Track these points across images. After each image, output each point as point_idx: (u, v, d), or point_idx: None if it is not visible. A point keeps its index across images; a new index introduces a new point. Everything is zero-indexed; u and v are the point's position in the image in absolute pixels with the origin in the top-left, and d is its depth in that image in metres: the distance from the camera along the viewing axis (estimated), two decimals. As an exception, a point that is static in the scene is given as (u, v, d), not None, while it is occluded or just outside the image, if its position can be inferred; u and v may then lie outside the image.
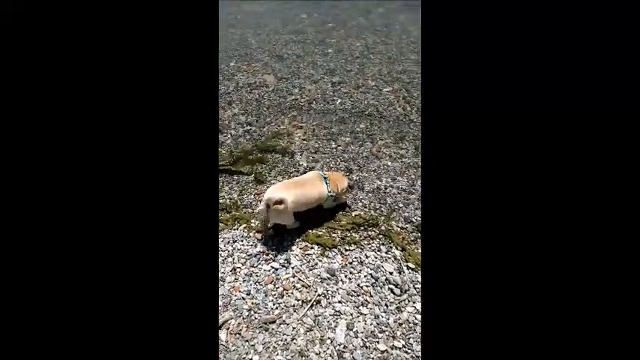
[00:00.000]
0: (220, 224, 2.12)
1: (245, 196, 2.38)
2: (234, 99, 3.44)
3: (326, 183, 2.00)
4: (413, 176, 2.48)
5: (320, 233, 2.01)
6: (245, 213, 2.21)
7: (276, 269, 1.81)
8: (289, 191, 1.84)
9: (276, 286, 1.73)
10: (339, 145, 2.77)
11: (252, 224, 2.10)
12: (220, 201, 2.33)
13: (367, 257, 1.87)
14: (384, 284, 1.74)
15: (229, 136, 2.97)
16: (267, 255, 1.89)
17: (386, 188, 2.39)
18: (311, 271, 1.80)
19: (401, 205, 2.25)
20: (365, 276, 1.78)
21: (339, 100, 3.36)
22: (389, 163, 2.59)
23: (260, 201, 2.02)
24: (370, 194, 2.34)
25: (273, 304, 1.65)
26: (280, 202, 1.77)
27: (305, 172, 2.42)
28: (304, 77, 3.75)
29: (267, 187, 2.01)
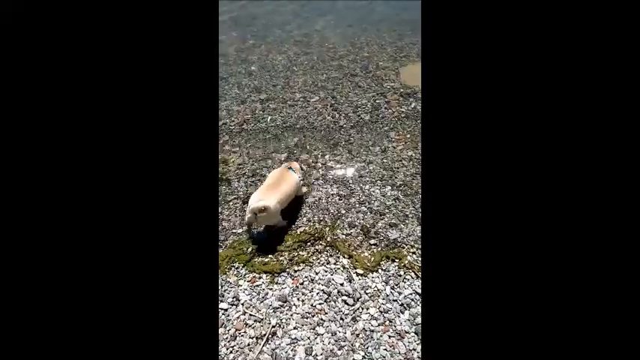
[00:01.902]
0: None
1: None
2: (158, 134, 3.23)
3: (294, 172, 2.24)
4: (350, 180, 2.54)
5: (267, 260, 1.96)
6: (184, 256, 2.06)
7: (225, 310, 1.71)
8: (270, 196, 2.01)
9: (227, 328, 1.63)
10: (275, 164, 2.74)
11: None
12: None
13: (317, 274, 1.86)
14: (336, 297, 1.74)
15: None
16: (214, 297, 1.77)
17: (327, 197, 2.41)
18: (262, 303, 1.73)
19: (343, 211, 2.29)
20: (317, 293, 1.76)
21: (269, 117, 3.33)
22: (326, 172, 2.63)
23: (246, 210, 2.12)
24: (313, 207, 2.34)
25: (227, 349, 1.55)
26: (264, 209, 1.93)
27: (247, 195, 2.38)
28: (231, 99, 3.66)
29: (249, 196, 2.11)
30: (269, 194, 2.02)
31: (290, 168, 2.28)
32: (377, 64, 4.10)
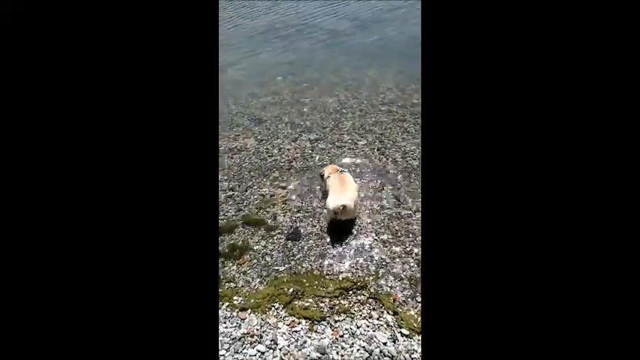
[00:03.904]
0: (202, 304, 2.00)
1: (227, 267, 2.30)
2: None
3: (346, 172, 2.68)
4: (396, 228, 2.47)
5: (307, 304, 1.92)
6: (227, 289, 2.11)
7: (263, 352, 1.68)
8: (345, 195, 2.38)
9: (263, 374, 1.59)
10: (320, 203, 2.78)
11: (235, 302, 1.99)
12: (202, 277, 2.24)
13: (359, 327, 1.77)
14: (379, 357, 1.62)
15: (211, 203, 2.96)
16: (252, 337, 1.76)
17: (371, 243, 2.36)
18: (300, 351, 1.68)
19: (388, 260, 2.20)
20: (358, 350, 1.66)
21: (317, 157, 3.46)
22: (371, 217, 2.59)
23: (328, 210, 2.44)
24: (356, 252, 2.29)
25: (261, 398, 1.49)
26: (344, 207, 2.31)
27: (293, 229, 2.56)
28: (283, 137, 3.90)
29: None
30: (344, 195, 2.38)
31: (342, 170, 2.66)
32: (426, 110, 4.11)
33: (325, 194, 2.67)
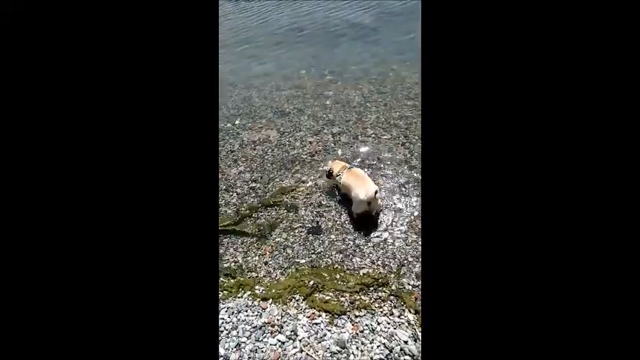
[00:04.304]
0: (224, 291, 2.06)
1: (249, 258, 2.34)
2: (240, 157, 3.56)
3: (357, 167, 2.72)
4: (420, 226, 2.41)
5: (327, 298, 1.92)
6: (249, 278, 2.15)
7: (283, 342, 1.71)
8: (370, 184, 2.39)
9: (283, 363, 1.61)
10: (342, 198, 2.76)
11: (257, 291, 2.03)
12: (225, 265, 2.30)
13: (379, 324, 1.75)
14: (399, 355, 1.60)
15: (235, 194, 3.02)
16: (273, 326, 1.79)
17: (393, 240, 2.32)
18: (320, 344, 1.68)
19: (410, 258, 2.15)
20: (378, 346, 1.64)
21: (339, 150, 3.43)
22: (394, 214, 2.54)
23: (360, 202, 2.39)
24: (377, 247, 2.26)
25: (281, 387, 1.52)
26: (376, 192, 2.32)
27: (315, 223, 2.56)
28: (305, 130, 3.89)
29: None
30: (368, 184, 2.38)
31: (350, 167, 2.65)
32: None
33: (339, 191, 2.67)
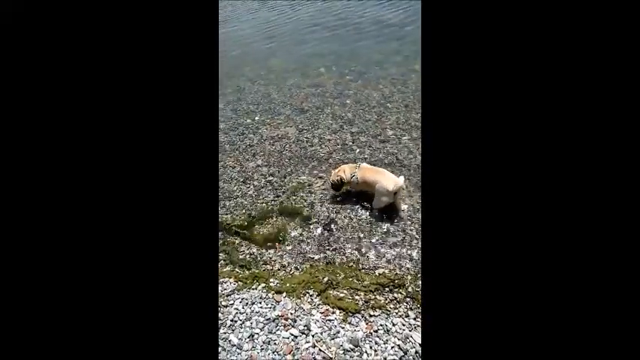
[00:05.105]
0: (239, 282, 2.07)
1: (264, 250, 2.35)
2: (258, 151, 3.59)
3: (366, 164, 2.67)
4: (439, 229, 2.35)
5: (342, 295, 1.90)
6: (264, 271, 2.15)
7: (296, 337, 1.70)
8: (391, 176, 2.38)
9: (295, 356, 1.60)
10: (357, 196, 2.73)
11: (271, 284, 2.03)
12: (240, 256, 2.31)
13: (394, 325, 1.71)
14: (414, 358, 1.56)
15: (252, 186, 3.05)
16: (286, 320, 1.78)
17: (411, 241, 2.27)
18: (332, 340, 1.67)
19: (428, 261, 2.10)
20: (392, 347, 1.61)
21: (357, 150, 3.40)
22: (412, 215, 2.49)
23: (387, 192, 2.37)
24: (394, 247, 2.22)
25: (292, 380, 1.51)
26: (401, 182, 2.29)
27: (330, 219, 2.53)
28: (324, 128, 3.88)
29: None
30: (391, 175, 2.39)
31: (358, 165, 2.64)
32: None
33: (352, 192, 2.64)
